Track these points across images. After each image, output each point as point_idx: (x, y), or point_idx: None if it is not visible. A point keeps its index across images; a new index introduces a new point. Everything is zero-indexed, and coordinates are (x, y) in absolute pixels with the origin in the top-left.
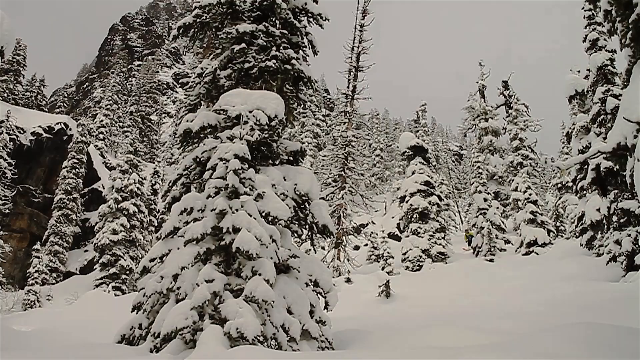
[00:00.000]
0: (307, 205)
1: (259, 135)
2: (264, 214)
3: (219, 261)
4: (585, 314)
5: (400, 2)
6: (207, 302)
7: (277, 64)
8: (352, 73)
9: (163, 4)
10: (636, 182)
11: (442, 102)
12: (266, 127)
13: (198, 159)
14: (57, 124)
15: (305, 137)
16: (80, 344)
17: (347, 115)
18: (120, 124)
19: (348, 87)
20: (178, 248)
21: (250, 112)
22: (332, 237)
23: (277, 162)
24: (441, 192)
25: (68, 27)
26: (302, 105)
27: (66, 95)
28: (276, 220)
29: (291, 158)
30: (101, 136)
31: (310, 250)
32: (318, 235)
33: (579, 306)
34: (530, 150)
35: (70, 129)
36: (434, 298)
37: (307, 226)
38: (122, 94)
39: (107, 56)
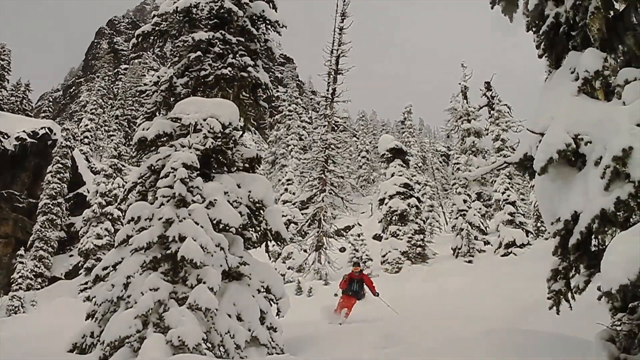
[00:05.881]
0: (261, 212)
1: (213, 143)
2: (215, 222)
3: (166, 269)
4: (539, 318)
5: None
6: (150, 310)
7: (233, 72)
8: (331, 76)
9: (150, 7)
10: (536, 193)
11: (436, 101)
12: (220, 134)
13: (153, 167)
14: (42, 128)
15: (291, 139)
16: (30, 353)
17: (327, 118)
18: (106, 127)
19: (328, 90)
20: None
21: (204, 120)
22: (285, 243)
23: (233, 170)
24: (424, 194)
25: (56, 30)
26: (264, 111)
27: (52, 99)
28: (227, 227)
29: (247, 165)
30: (86, 140)
31: (292, 252)
32: (272, 241)
33: (538, 310)
34: (512, 151)
35: (55, 134)
36: (408, 300)
37: (261, 233)
38: (108, 98)
39: (94, 60)
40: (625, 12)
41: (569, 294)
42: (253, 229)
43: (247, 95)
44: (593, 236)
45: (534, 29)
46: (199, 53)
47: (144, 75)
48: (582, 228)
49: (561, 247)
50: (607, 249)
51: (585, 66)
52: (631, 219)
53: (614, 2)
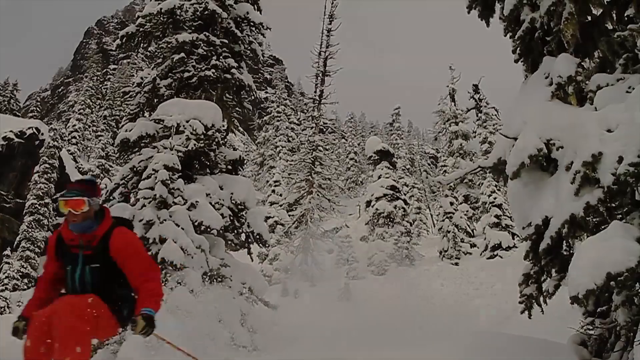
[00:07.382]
0: (243, 214)
1: (195, 144)
2: (196, 223)
3: None
4: (522, 321)
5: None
6: None
7: (216, 74)
8: (319, 78)
9: (139, 7)
10: (509, 197)
11: (426, 103)
12: (202, 136)
13: (135, 169)
14: (29, 128)
15: (280, 140)
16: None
17: (315, 120)
18: (94, 128)
19: (315, 92)
20: None
21: (187, 121)
22: (267, 245)
23: (215, 171)
24: (412, 196)
25: (45, 30)
26: (249, 113)
27: (40, 99)
28: (209, 229)
29: (230, 167)
30: (74, 141)
31: (279, 254)
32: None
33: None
34: None
35: (42, 134)
36: (392, 302)
37: (243, 234)
38: (97, 98)
39: (83, 60)
40: (600, 18)
41: (541, 298)
42: (235, 231)
43: (231, 97)
44: (563, 241)
45: (510, 34)
46: (182, 54)
47: (133, 76)
48: (553, 233)
49: (532, 252)
50: (575, 253)
51: (558, 71)
52: (603, 225)
53: (591, 8)
